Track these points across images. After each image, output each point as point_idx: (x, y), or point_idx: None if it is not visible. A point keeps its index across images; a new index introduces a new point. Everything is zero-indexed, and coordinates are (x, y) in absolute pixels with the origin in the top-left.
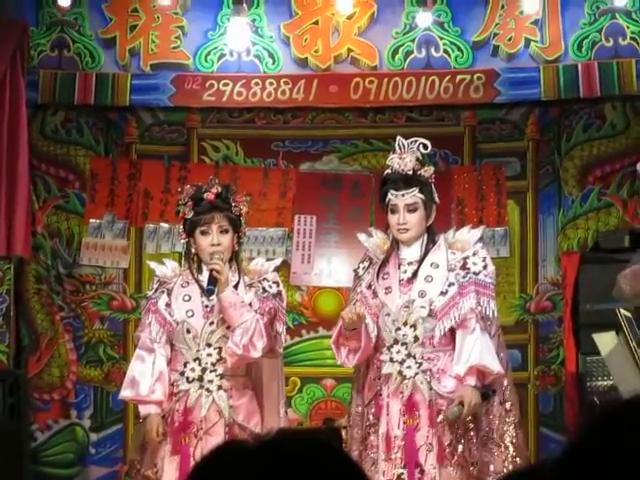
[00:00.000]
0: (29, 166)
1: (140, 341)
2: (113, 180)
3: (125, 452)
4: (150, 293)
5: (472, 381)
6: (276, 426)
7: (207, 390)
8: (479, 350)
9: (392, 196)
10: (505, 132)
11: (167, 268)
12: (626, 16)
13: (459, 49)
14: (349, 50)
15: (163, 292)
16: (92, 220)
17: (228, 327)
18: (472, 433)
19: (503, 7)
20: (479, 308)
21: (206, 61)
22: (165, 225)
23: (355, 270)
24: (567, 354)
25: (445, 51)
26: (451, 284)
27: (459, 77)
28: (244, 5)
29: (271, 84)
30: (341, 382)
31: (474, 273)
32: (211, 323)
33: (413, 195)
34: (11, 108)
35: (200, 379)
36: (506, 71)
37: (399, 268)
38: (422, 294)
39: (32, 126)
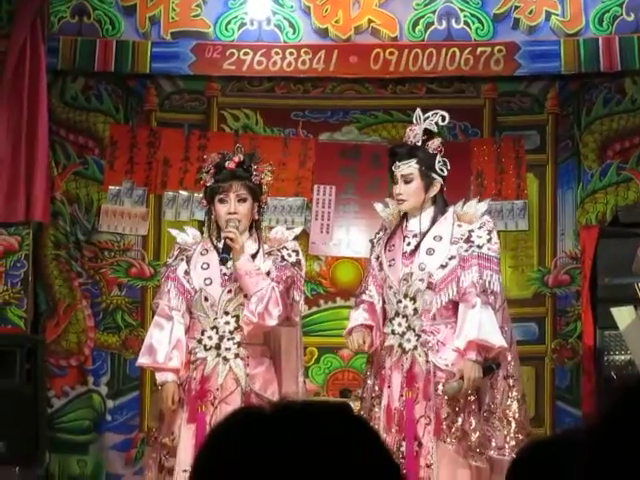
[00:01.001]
0: (48, 132)
1: (159, 308)
2: (132, 147)
3: (142, 419)
4: (170, 260)
5: (472, 355)
6: (294, 395)
7: (224, 358)
8: (478, 324)
9: (394, 167)
10: (525, 105)
11: (188, 235)
12: None
13: (480, 21)
14: (370, 21)
15: (182, 259)
16: (111, 187)
17: (246, 295)
18: (473, 406)
19: None
20: (481, 281)
21: (227, 30)
22: (184, 193)
23: (371, 240)
24: (585, 328)
25: (466, 23)
26: (452, 257)
27: (480, 49)
28: None
29: (291, 54)
30: (358, 352)
31: (477, 246)
32: (229, 291)
33: (409, 166)
34: (31, 74)
35: (217, 347)
36: (527, 44)
37: (404, 240)
38: (422, 267)
39: (52, 92)
